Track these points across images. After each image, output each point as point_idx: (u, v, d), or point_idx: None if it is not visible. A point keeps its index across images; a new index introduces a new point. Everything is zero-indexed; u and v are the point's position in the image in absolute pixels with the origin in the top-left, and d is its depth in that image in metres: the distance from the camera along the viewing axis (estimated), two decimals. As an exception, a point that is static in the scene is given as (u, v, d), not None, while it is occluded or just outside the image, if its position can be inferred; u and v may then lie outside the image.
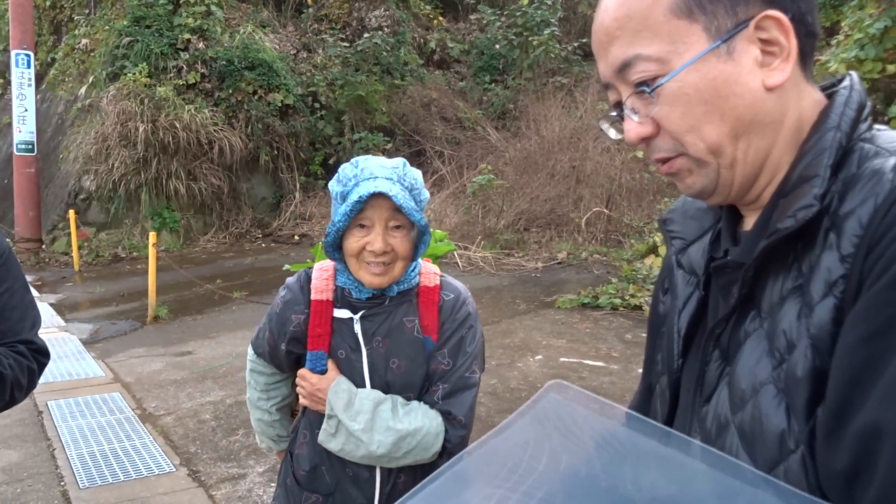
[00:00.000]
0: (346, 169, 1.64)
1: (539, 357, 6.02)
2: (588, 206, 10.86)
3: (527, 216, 11.23)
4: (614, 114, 0.87)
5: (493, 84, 15.33)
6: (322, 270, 1.75)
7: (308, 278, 1.75)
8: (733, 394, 0.77)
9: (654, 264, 8.27)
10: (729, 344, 0.81)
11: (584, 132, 12.00)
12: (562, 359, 5.96)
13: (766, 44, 0.78)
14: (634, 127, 0.82)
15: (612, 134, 0.90)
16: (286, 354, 1.77)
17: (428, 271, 1.76)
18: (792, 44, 0.77)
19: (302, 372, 1.72)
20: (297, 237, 13.13)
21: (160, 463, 4.22)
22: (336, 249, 1.66)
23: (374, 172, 1.58)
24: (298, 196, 13.96)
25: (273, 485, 3.91)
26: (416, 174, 1.67)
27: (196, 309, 8.40)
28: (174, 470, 4.13)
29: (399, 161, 1.65)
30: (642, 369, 1.10)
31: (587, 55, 15.03)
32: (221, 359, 6.31)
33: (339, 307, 1.70)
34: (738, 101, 0.77)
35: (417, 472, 1.70)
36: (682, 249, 0.96)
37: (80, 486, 3.93)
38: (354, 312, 1.68)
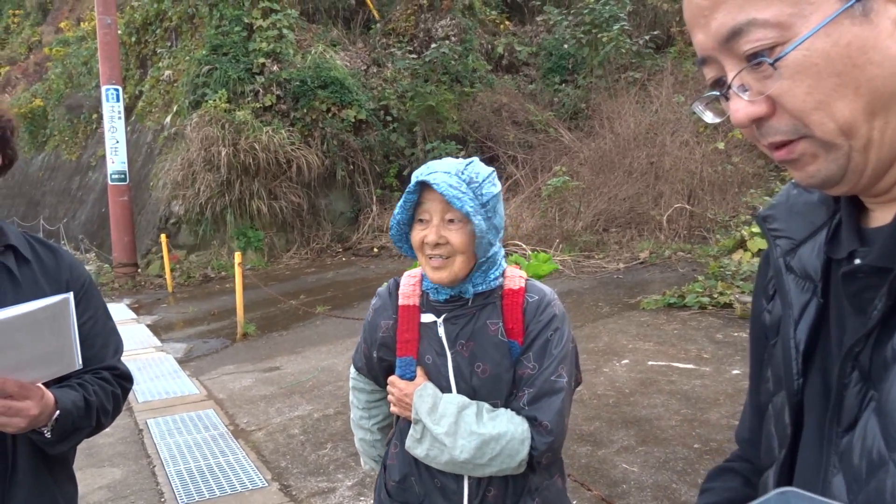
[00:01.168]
0: (418, 170, 1.69)
1: (625, 361, 5.86)
2: (669, 203, 10.54)
3: (605, 216, 11.00)
4: (715, 93, 0.75)
5: (563, 84, 15.14)
6: (410, 276, 1.79)
7: (397, 285, 1.80)
8: (887, 425, 0.65)
9: (742, 259, 7.94)
10: (871, 364, 0.69)
11: (661, 126, 11.68)
12: (649, 362, 5.79)
13: None
14: (744, 106, 0.71)
15: (709, 117, 0.79)
16: (378, 363, 1.79)
17: (513, 275, 1.73)
18: None
19: (391, 378, 1.73)
20: (375, 249, 13.31)
21: (253, 478, 4.32)
22: (407, 243, 1.71)
23: (434, 168, 1.63)
24: (375, 209, 14.16)
25: (362, 498, 3.94)
26: (481, 169, 1.65)
27: (282, 325, 8.61)
28: (267, 485, 4.22)
29: (468, 160, 1.68)
30: (749, 386, 0.99)
31: (659, 48, 14.66)
32: (307, 373, 6.43)
33: (425, 312, 1.72)
34: (876, 70, 0.65)
35: (508, 485, 1.66)
36: (791, 250, 0.84)
37: (180, 501, 4.07)
38: (438, 316, 1.69)
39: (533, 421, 1.60)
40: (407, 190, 1.60)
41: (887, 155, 0.69)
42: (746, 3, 0.68)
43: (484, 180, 1.64)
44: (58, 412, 1.43)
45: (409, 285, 1.77)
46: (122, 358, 1.75)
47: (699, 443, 4.25)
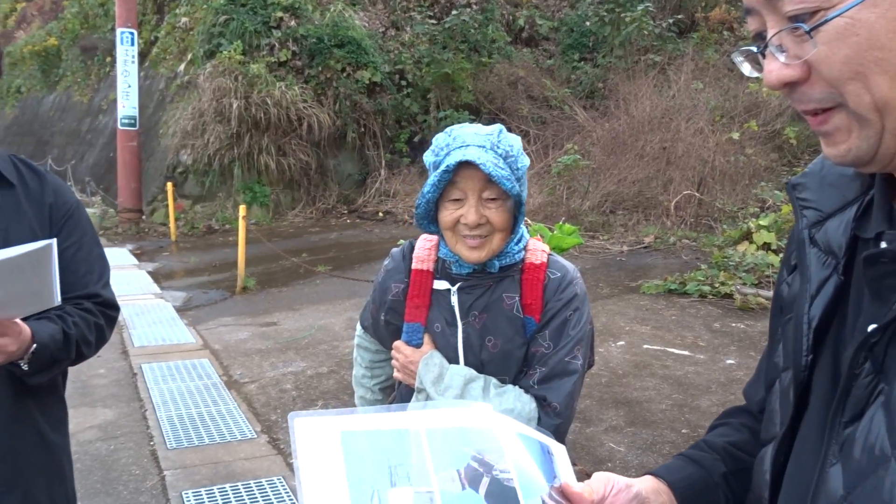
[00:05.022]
0: (439, 138, 1.58)
1: (621, 343, 5.87)
2: (678, 189, 10.48)
3: (613, 198, 10.95)
4: (753, 48, 0.71)
5: (582, 62, 14.97)
6: (426, 240, 1.71)
7: (412, 248, 1.72)
8: (894, 422, 0.62)
9: (747, 251, 7.91)
10: (886, 355, 0.65)
11: (677, 112, 11.57)
12: (645, 346, 5.79)
13: None
14: (778, 68, 0.67)
15: (746, 69, 0.75)
16: (385, 325, 1.73)
17: (535, 248, 1.65)
18: None
19: (397, 343, 1.68)
20: (381, 214, 13.28)
21: (242, 429, 4.35)
22: (431, 221, 1.60)
23: (466, 140, 1.51)
24: (383, 173, 14.10)
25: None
26: (513, 140, 1.56)
27: (282, 281, 8.63)
28: (255, 437, 4.26)
29: (495, 128, 1.56)
30: (762, 358, 0.97)
31: (682, 32, 14.46)
32: (304, 331, 6.45)
33: (439, 278, 1.65)
34: None
35: None
36: (818, 223, 0.80)
37: (168, 446, 4.11)
38: (453, 285, 1.63)
39: (542, 401, 1.55)
40: (444, 169, 1.48)
41: None
42: None
43: (518, 153, 1.56)
44: (34, 346, 1.43)
45: (424, 249, 1.69)
46: (121, 302, 1.73)
47: (687, 428, 4.26)
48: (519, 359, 1.59)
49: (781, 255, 6.68)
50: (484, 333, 1.59)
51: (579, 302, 1.60)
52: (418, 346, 1.64)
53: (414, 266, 1.67)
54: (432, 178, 1.51)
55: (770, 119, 11.69)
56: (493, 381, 1.58)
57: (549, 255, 1.66)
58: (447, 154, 1.52)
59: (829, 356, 0.74)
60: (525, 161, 1.58)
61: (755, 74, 0.74)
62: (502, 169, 1.48)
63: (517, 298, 1.59)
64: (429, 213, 1.58)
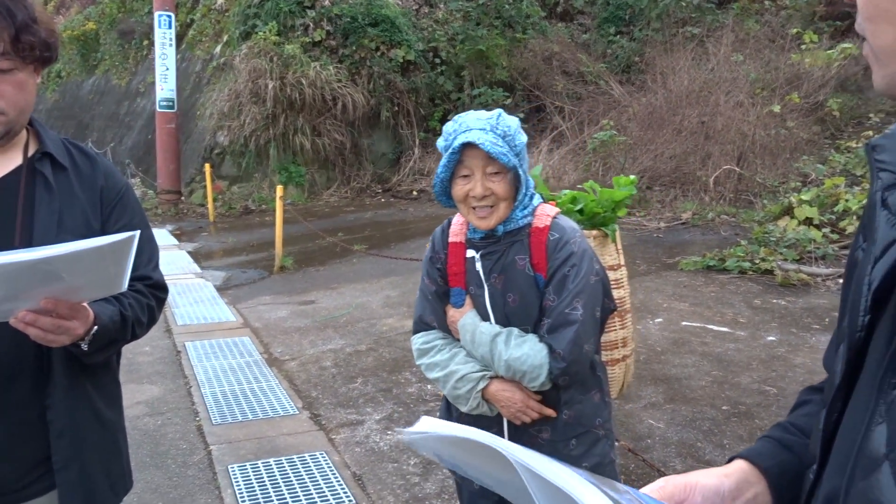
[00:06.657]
0: (448, 125, 1.84)
1: (659, 320, 5.82)
2: (717, 164, 10.29)
3: (650, 174, 10.80)
4: None
5: (618, 36, 14.72)
6: (460, 216, 1.96)
7: (449, 224, 2.00)
8: None
9: (788, 227, 7.76)
10: None
11: (716, 85, 11.33)
12: (683, 322, 5.74)
13: None
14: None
15: None
16: (434, 295, 1.98)
17: (543, 213, 1.87)
18: None
19: (448, 307, 1.96)
20: (415, 192, 13.31)
21: (284, 405, 4.44)
22: (449, 197, 1.87)
23: (470, 125, 1.77)
24: (417, 152, 14.10)
25: (389, 433, 4.03)
26: (511, 122, 1.80)
27: (319, 260, 8.72)
28: (297, 413, 4.34)
29: (495, 112, 1.82)
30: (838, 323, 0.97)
31: (721, 3, 14.11)
32: (342, 309, 6.53)
33: (469, 248, 1.91)
34: None
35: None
36: (892, 186, 0.78)
37: (213, 422, 4.21)
38: (477, 252, 1.89)
39: (550, 348, 1.78)
40: (450, 151, 1.75)
41: None
42: None
43: (515, 131, 1.79)
44: (96, 327, 1.47)
45: (458, 224, 1.97)
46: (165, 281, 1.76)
47: (728, 405, 4.23)
48: (536, 311, 1.83)
49: (824, 230, 6.40)
50: (505, 291, 1.85)
51: (576, 259, 1.80)
52: (460, 306, 1.92)
53: (451, 239, 1.96)
54: (444, 159, 1.79)
55: (812, 91, 11.38)
56: (516, 331, 1.83)
57: (553, 218, 1.87)
58: (454, 138, 1.78)
59: (889, 320, 0.73)
60: (522, 138, 1.81)
61: None
62: (501, 147, 1.73)
63: (527, 259, 1.83)
64: (445, 190, 1.86)
